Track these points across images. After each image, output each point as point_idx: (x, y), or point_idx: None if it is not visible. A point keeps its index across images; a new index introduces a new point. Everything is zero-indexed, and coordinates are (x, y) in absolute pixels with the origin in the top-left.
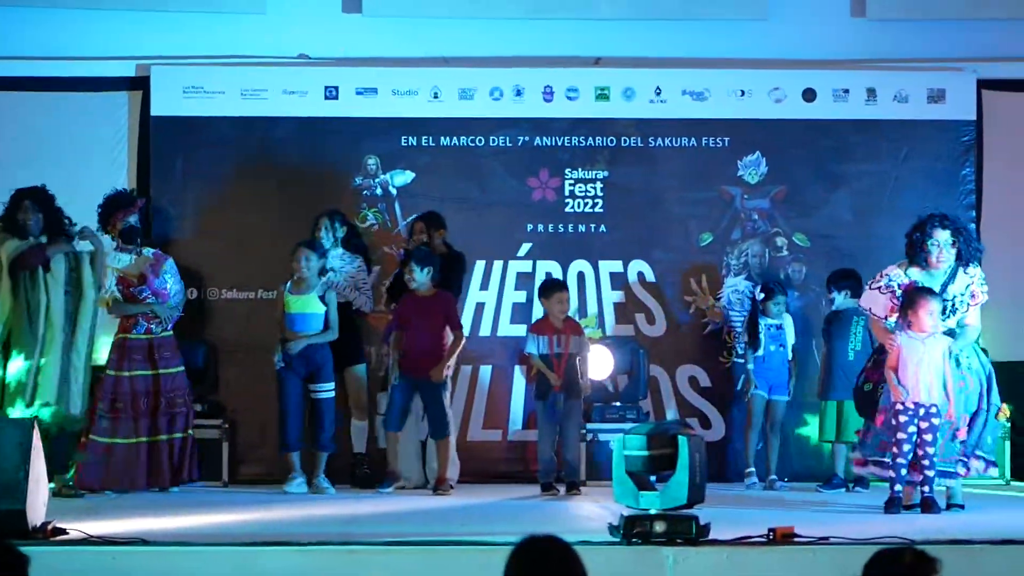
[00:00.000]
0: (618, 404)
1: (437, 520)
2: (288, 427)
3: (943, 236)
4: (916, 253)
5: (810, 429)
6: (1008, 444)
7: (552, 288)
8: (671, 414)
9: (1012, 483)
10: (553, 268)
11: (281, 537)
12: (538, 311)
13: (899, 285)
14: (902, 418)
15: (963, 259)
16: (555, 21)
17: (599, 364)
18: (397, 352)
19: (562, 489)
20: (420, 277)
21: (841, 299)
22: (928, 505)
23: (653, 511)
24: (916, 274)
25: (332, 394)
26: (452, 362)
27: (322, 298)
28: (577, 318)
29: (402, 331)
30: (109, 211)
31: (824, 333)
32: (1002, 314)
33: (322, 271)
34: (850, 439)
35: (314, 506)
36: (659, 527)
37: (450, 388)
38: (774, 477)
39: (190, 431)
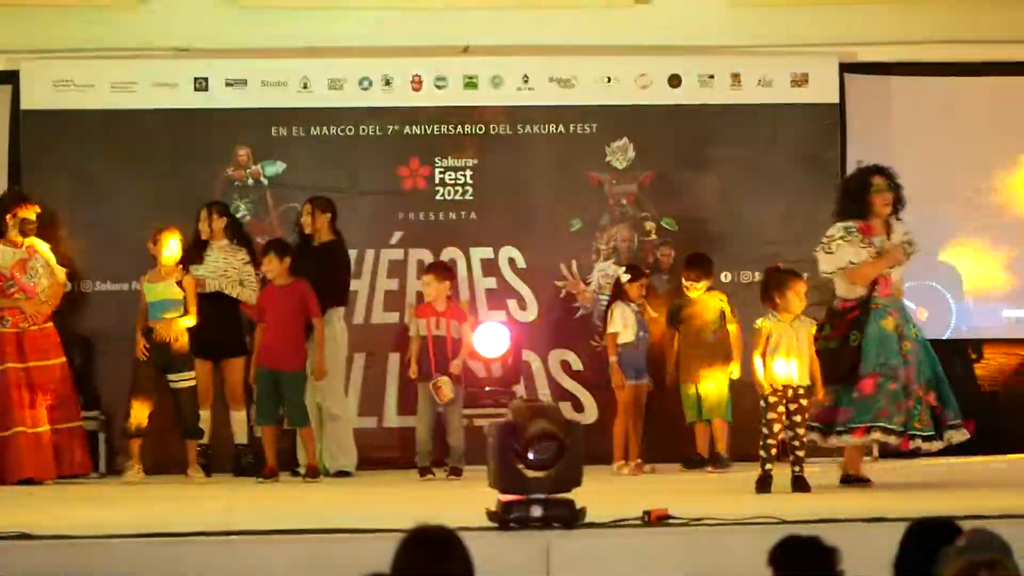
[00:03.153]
0: (491, 389)
1: (323, 509)
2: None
3: (881, 182)
4: (856, 203)
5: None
6: None
7: (425, 271)
8: (544, 398)
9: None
10: (425, 256)
11: (159, 528)
12: (411, 297)
13: (852, 231)
14: (772, 399)
15: (896, 205)
16: (423, 11)
17: (495, 342)
18: (258, 344)
19: (439, 474)
20: (275, 267)
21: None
22: (799, 484)
23: (530, 496)
24: (854, 228)
25: (193, 383)
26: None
27: (179, 283)
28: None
29: (263, 323)
30: (6, 207)
31: (674, 317)
32: None
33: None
34: (712, 417)
35: (198, 496)
36: (536, 512)
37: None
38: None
39: (79, 423)
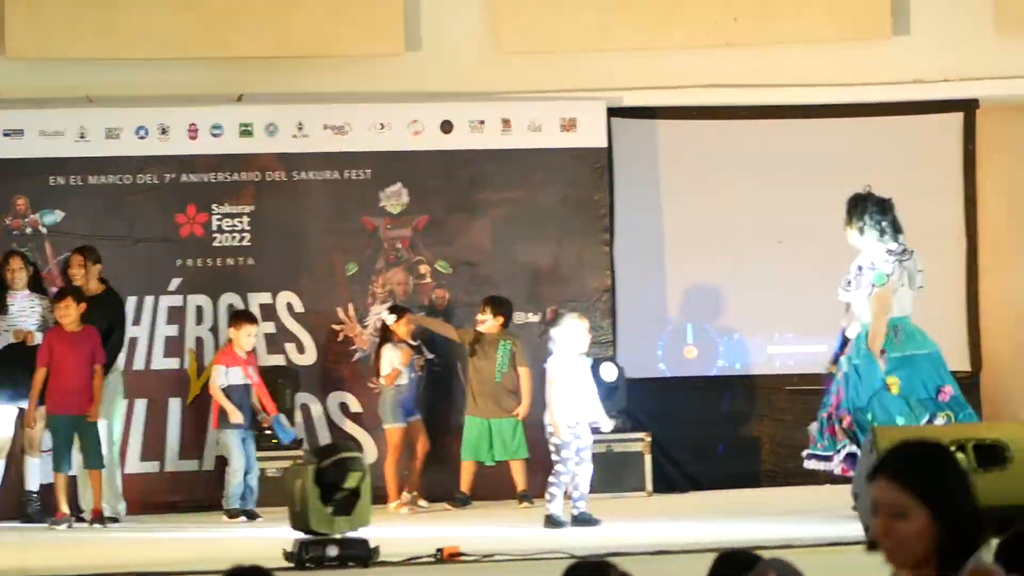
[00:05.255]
0: (270, 431)
1: (118, 553)
2: None
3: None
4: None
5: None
6: (650, 458)
7: (246, 320)
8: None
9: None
10: (203, 302)
11: None
12: (191, 343)
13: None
14: (566, 437)
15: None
16: (197, 60)
17: None
18: (43, 389)
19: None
20: (73, 313)
21: (490, 322)
22: (583, 520)
23: (328, 535)
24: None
25: None
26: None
27: None
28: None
29: (49, 368)
30: None
31: (472, 353)
32: (632, 329)
33: None
34: (507, 457)
35: None
36: (332, 551)
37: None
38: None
39: None
